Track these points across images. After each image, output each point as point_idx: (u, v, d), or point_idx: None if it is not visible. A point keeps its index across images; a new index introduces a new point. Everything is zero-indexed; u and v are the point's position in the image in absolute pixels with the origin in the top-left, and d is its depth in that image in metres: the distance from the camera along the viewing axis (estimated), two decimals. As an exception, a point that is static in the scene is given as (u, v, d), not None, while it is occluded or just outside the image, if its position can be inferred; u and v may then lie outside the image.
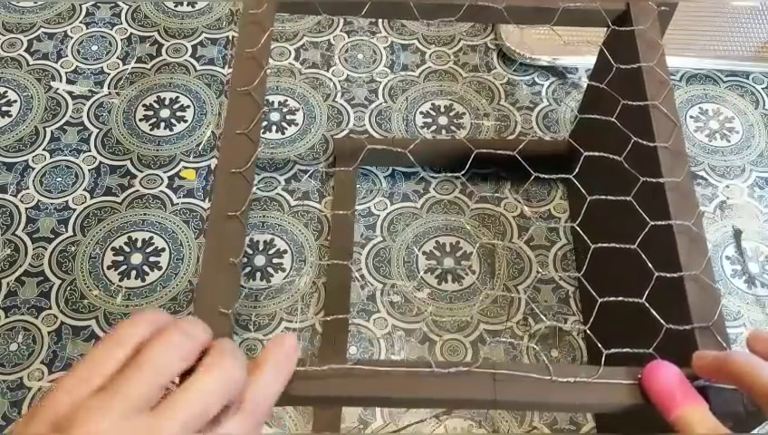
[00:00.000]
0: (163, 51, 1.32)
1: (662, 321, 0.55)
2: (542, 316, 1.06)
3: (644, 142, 0.71)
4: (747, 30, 1.32)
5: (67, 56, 1.30)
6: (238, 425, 0.43)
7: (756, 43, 1.31)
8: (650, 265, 0.62)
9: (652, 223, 0.64)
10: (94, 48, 1.32)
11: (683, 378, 0.52)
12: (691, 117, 1.26)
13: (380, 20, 1.36)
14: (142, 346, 0.42)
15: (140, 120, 1.23)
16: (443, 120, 1.24)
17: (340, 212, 1.11)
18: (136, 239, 1.11)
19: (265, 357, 0.48)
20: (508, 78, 1.30)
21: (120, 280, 1.07)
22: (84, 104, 1.25)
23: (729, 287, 1.09)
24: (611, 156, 0.71)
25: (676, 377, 0.51)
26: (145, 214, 1.13)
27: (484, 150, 0.72)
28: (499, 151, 0.75)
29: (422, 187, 1.17)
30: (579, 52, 1.26)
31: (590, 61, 1.18)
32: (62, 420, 0.38)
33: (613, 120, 0.73)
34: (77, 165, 1.18)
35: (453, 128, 1.23)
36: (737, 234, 1.13)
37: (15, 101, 1.25)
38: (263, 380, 0.46)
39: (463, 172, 0.72)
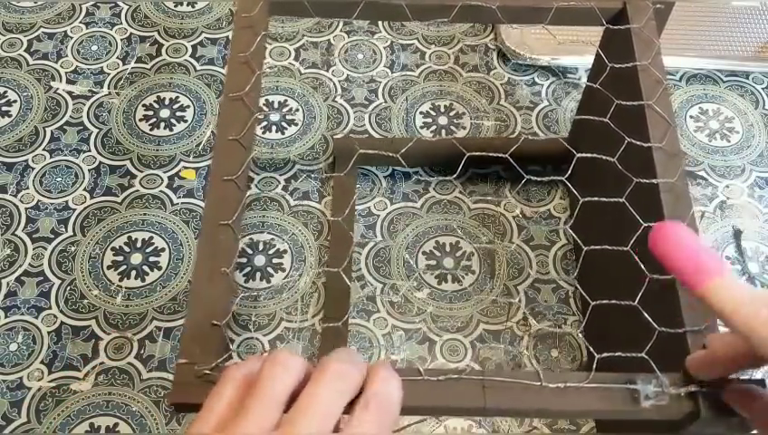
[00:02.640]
0: (163, 51, 1.32)
1: (654, 324, 0.55)
2: (544, 314, 1.05)
3: (637, 142, 0.70)
4: (747, 30, 1.32)
5: (67, 56, 1.31)
6: (370, 422, 0.43)
7: (756, 43, 1.31)
8: (643, 267, 0.62)
9: (645, 224, 0.64)
10: (94, 48, 1.32)
11: (698, 239, 0.46)
12: (691, 117, 1.26)
13: (379, 20, 1.36)
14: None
15: (140, 120, 1.23)
16: (443, 120, 1.24)
17: (344, 205, 1.11)
18: (136, 239, 1.11)
19: (376, 364, 0.47)
20: (508, 78, 1.29)
21: (120, 280, 1.08)
22: (84, 104, 1.25)
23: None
24: (605, 157, 0.71)
25: (693, 240, 0.46)
26: (145, 214, 1.13)
27: (477, 153, 0.72)
28: (491, 154, 0.75)
29: (422, 187, 1.16)
30: (579, 52, 1.26)
31: (590, 61, 1.17)
32: None
33: (607, 120, 0.72)
34: (77, 165, 1.18)
35: (453, 128, 1.23)
36: (737, 234, 1.13)
37: (15, 101, 1.25)
38: (381, 373, 0.46)
39: (455, 176, 0.72)
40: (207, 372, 0.55)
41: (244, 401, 0.43)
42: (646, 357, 0.52)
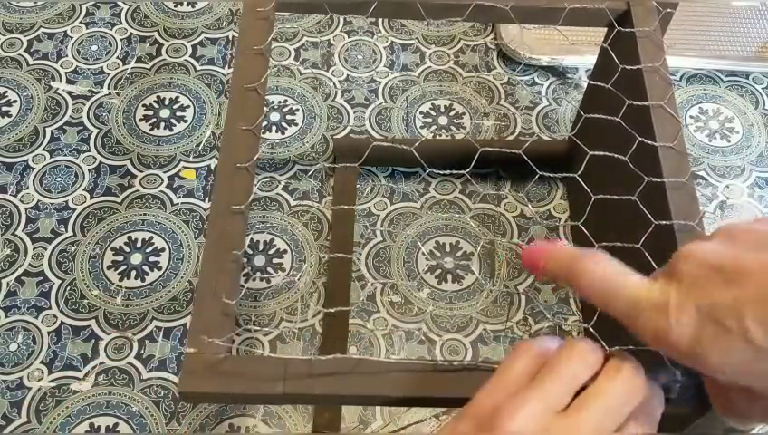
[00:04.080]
0: (163, 51, 1.32)
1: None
2: (545, 312, 1.05)
3: (648, 142, 0.71)
4: (747, 30, 1.32)
5: (67, 56, 1.30)
6: (638, 428, 0.44)
7: (756, 43, 1.31)
8: (654, 264, 0.62)
9: (656, 223, 0.64)
10: (94, 48, 1.32)
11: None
12: (691, 117, 1.26)
13: (380, 20, 1.36)
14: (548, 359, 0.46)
15: (140, 120, 1.23)
16: (443, 120, 1.24)
17: (343, 207, 1.11)
18: (136, 239, 1.11)
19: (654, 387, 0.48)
20: (508, 78, 1.30)
21: (120, 280, 1.07)
22: (84, 104, 1.25)
23: (729, 287, 1.08)
24: (615, 155, 0.71)
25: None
26: (145, 214, 1.13)
27: (489, 148, 0.72)
28: (503, 150, 0.75)
29: (422, 186, 1.17)
30: (579, 52, 1.26)
31: (590, 61, 1.18)
32: (486, 420, 0.43)
33: (618, 119, 0.73)
34: (77, 165, 1.18)
35: (453, 128, 1.23)
36: (737, 234, 1.13)
37: (15, 101, 1.25)
38: (653, 392, 0.47)
39: (468, 170, 0.73)
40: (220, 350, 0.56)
41: (542, 375, 0.44)
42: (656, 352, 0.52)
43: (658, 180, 0.68)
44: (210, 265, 0.62)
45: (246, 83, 0.73)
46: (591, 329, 0.56)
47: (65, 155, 1.19)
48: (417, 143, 0.87)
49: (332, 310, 1.03)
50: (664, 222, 0.65)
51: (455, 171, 1.15)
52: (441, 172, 1.17)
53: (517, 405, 0.42)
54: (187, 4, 1.38)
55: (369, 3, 0.80)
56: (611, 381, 0.44)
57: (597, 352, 0.46)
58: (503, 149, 0.78)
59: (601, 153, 0.70)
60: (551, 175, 0.85)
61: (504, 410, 0.43)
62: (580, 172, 0.73)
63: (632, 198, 0.67)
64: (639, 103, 0.75)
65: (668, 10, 0.83)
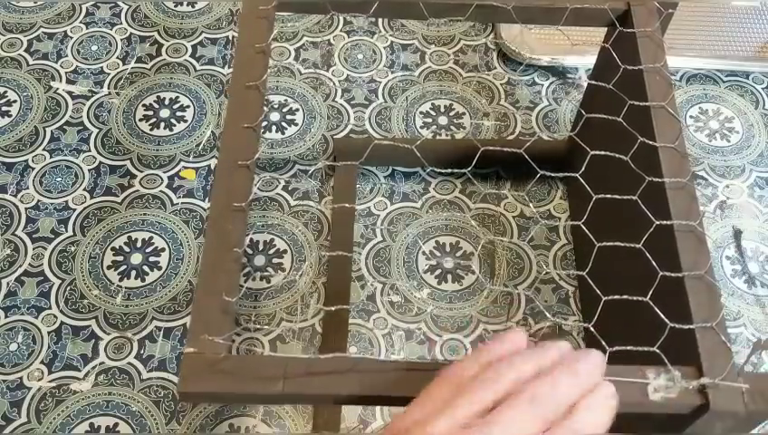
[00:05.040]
0: (163, 51, 1.32)
1: (666, 320, 0.55)
2: (545, 312, 1.05)
3: (649, 142, 0.71)
4: (747, 30, 1.32)
5: (67, 56, 1.30)
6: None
7: (756, 43, 1.31)
8: (655, 264, 0.62)
9: (657, 223, 0.64)
10: (94, 48, 1.32)
11: None
12: (691, 117, 1.26)
13: (380, 20, 1.36)
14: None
15: (140, 120, 1.23)
16: (443, 120, 1.24)
17: (344, 206, 1.11)
18: (136, 239, 1.11)
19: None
20: (508, 78, 1.30)
21: (120, 280, 1.07)
22: (84, 104, 1.24)
23: (729, 287, 1.09)
24: (616, 155, 0.71)
25: None
26: (145, 214, 1.13)
27: (490, 148, 0.72)
28: (504, 149, 0.76)
29: (422, 186, 1.16)
30: (579, 52, 1.26)
31: (590, 61, 1.18)
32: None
33: (619, 119, 0.73)
34: (77, 165, 1.18)
35: (453, 128, 1.23)
36: (737, 234, 1.13)
37: (15, 101, 1.25)
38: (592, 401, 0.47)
39: (469, 169, 0.73)
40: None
41: (454, 397, 0.46)
42: (658, 351, 0.52)
43: (659, 180, 0.68)
44: (210, 264, 0.62)
45: (246, 82, 0.73)
46: (592, 329, 0.56)
47: (65, 155, 1.19)
48: (417, 143, 0.87)
49: (332, 308, 1.03)
50: (664, 222, 0.65)
51: (455, 171, 1.15)
52: (441, 172, 1.17)
53: (430, 419, 0.45)
54: (187, 4, 1.38)
55: (370, 2, 0.80)
56: (507, 408, 0.45)
57: (506, 377, 0.46)
58: (503, 149, 0.78)
59: (602, 153, 0.70)
60: (551, 174, 0.85)
61: (418, 424, 0.45)
62: (580, 172, 0.73)
63: (633, 197, 0.67)
64: (640, 103, 0.75)
65: (669, 10, 0.83)
